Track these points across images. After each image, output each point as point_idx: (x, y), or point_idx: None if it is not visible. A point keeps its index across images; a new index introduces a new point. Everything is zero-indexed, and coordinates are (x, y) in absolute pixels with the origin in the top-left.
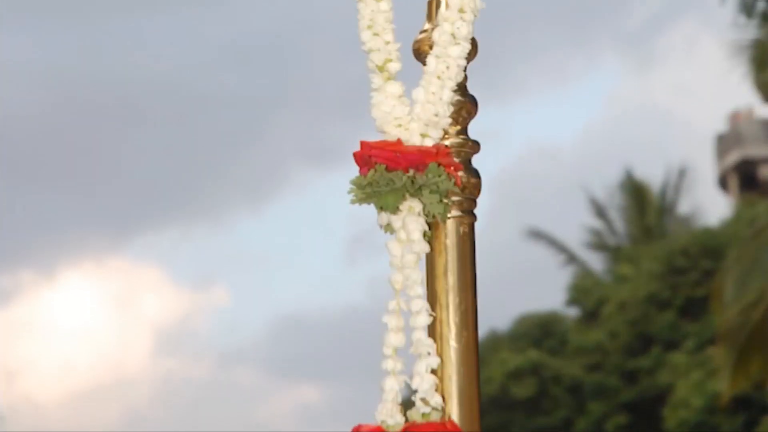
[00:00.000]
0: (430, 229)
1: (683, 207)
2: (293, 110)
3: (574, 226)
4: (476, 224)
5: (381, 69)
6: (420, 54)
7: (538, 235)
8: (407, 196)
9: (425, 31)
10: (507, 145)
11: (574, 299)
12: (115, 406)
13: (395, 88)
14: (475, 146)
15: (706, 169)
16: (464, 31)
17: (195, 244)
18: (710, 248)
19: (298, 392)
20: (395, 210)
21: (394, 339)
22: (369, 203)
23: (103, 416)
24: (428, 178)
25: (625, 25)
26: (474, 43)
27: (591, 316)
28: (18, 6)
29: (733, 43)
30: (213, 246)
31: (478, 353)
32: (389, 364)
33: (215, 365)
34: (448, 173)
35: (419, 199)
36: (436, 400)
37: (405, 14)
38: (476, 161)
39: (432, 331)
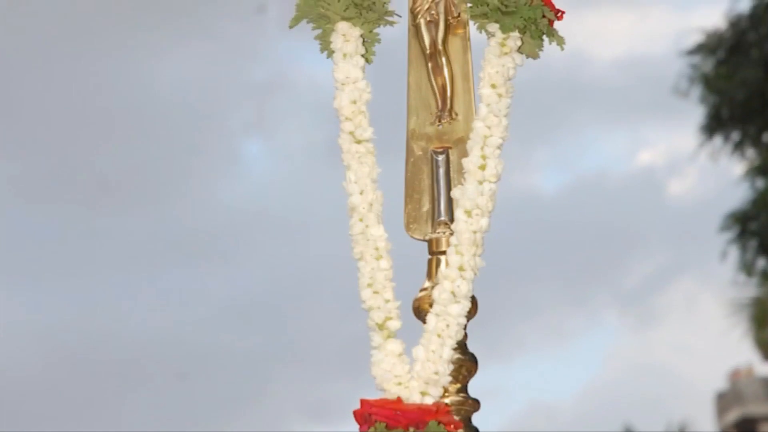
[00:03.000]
0: None
1: None
2: (293, 367)
3: None
4: None
5: (381, 327)
6: (420, 312)
7: None
8: None
9: (425, 289)
10: (507, 403)
11: None
12: None
13: (395, 346)
14: (476, 404)
15: (706, 426)
16: (464, 289)
17: None
18: None
19: None
20: None
21: None
22: None
23: None
24: None
25: (624, 283)
26: (474, 301)
27: None
28: (11, 268)
29: (733, 302)
30: None
31: None
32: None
33: None
34: None
35: None
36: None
37: (405, 272)
38: (477, 419)
39: None
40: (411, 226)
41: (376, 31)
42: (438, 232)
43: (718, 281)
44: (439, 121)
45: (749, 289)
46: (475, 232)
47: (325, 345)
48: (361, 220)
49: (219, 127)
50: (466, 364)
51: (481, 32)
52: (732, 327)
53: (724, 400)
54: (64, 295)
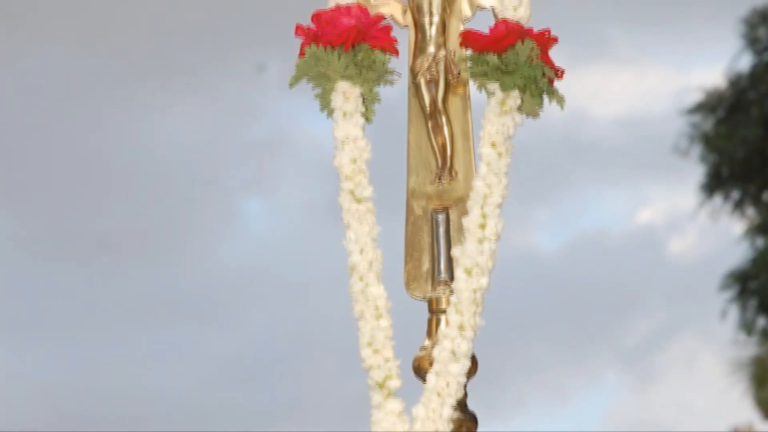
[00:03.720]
0: None
1: None
2: (293, 425)
3: None
4: None
5: (381, 386)
6: (420, 371)
7: None
8: None
9: (425, 347)
10: None
11: None
12: None
13: (395, 405)
14: None
15: None
16: (464, 348)
17: None
18: None
19: None
20: None
21: None
22: None
23: None
24: None
25: (624, 341)
26: (474, 360)
27: None
28: (12, 325)
29: (733, 360)
30: None
31: None
32: None
33: None
34: None
35: None
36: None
37: (405, 330)
38: None
39: None
40: (411, 284)
41: (376, 89)
42: (438, 291)
43: (718, 340)
44: (439, 180)
45: (749, 348)
46: (475, 291)
47: (325, 404)
48: (361, 278)
49: (219, 185)
50: (466, 423)
51: (481, 91)
52: (732, 386)
53: None
54: (65, 352)
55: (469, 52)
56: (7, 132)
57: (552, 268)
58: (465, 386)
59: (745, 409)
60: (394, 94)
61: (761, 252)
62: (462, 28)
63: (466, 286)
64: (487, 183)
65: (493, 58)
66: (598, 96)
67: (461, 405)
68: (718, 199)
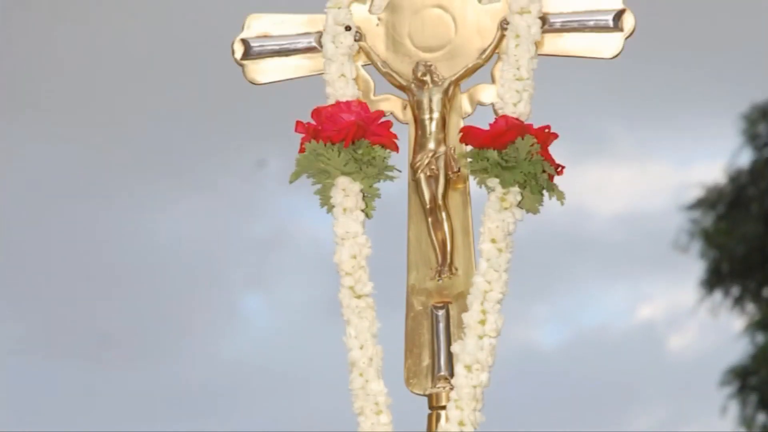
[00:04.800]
0: None
1: None
2: None
3: None
4: None
5: None
6: None
7: None
8: None
9: None
10: None
11: None
12: None
13: None
14: None
15: None
16: None
17: None
18: None
19: None
20: None
21: None
22: None
23: None
24: None
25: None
26: None
27: None
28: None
29: None
30: None
31: None
32: None
33: None
34: None
35: None
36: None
37: (405, 426)
38: None
39: None
40: (411, 380)
41: (376, 185)
42: (438, 387)
43: None
44: (439, 276)
45: None
46: (475, 387)
47: None
48: (361, 374)
49: (219, 281)
50: None
51: (481, 187)
52: None
53: None
54: None
55: (469, 148)
56: (7, 228)
57: (552, 363)
58: None
59: None
60: (394, 189)
61: (761, 348)
62: (462, 124)
63: (466, 382)
64: (487, 279)
65: (493, 154)
66: (598, 191)
67: None
68: (718, 295)
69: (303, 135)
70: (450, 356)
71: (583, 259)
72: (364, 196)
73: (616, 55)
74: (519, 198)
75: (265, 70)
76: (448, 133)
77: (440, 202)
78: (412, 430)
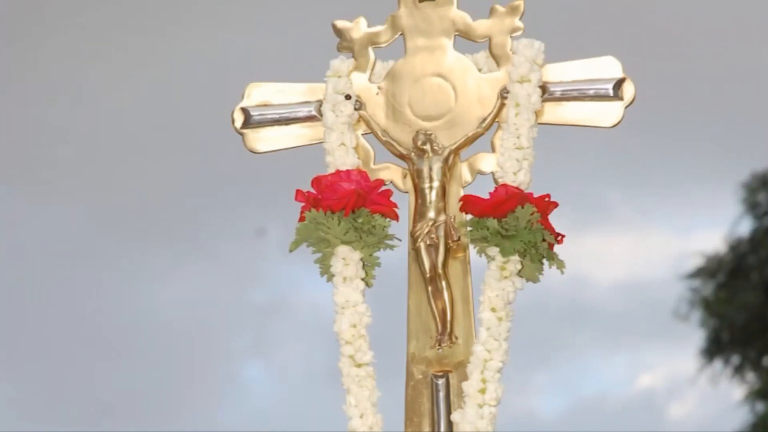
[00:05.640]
0: None
1: None
2: None
3: None
4: None
5: None
6: None
7: None
8: None
9: None
10: None
11: None
12: None
13: None
14: None
15: None
16: None
17: None
18: None
19: None
20: None
21: None
22: None
23: None
24: None
25: None
26: None
27: None
28: None
29: None
30: None
31: None
32: None
33: None
34: None
35: None
36: None
37: None
38: None
39: None
40: None
41: (376, 254)
42: None
43: None
44: (440, 345)
45: None
46: None
47: None
48: None
49: (218, 349)
50: None
51: (481, 256)
52: None
53: None
54: None
55: (469, 216)
56: (6, 296)
57: None
58: None
59: None
60: (394, 258)
61: (761, 417)
62: (462, 192)
63: None
64: (487, 348)
65: (493, 223)
66: (598, 260)
67: None
68: (718, 363)
69: (303, 204)
70: (450, 425)
71: (583, 327)
72: (364, 264)
73: (616, 124)
74: (519, 267)
75: (265, 139)
76: (448, 201)
77: (440, 271)
78: None
